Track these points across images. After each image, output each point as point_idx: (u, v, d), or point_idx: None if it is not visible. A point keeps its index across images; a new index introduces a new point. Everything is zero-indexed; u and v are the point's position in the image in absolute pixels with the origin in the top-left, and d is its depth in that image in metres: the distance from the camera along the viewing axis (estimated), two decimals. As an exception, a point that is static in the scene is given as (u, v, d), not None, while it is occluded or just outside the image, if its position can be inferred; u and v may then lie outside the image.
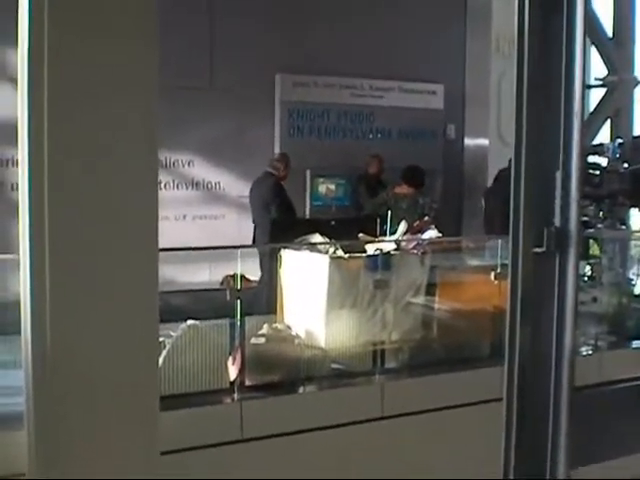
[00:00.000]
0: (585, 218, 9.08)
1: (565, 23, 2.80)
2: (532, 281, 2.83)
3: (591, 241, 8.70)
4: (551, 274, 2.82)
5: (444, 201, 9.52)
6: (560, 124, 2.81)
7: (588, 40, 13.59)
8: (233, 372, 4.17)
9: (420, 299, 4.81)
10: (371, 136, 10.38)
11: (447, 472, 4.07)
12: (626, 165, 10.04)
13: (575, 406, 2.91)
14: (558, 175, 2.81)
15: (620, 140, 10.91)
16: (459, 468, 4.07)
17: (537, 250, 2.80)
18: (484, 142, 10.53)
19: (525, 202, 2.83)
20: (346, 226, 6.21)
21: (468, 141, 10.82)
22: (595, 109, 13.81)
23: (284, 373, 4.29)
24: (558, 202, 2.81)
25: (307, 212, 9.80)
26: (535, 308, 2.86)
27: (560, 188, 2.80)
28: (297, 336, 4.46)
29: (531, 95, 2.82)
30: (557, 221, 2.81)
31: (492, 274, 4.81)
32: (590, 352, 5.54)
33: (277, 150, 9.55)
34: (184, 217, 9.20)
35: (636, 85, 14.27)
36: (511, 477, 2.96)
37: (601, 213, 9.19)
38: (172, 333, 4.12)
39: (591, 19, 13.52)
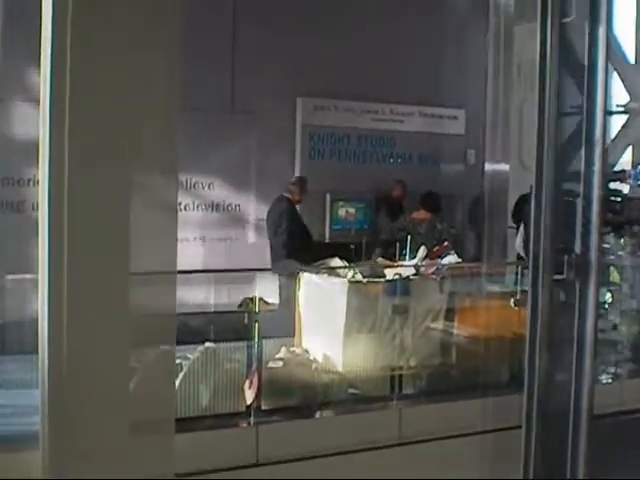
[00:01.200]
0: (606, 245, 9.05)
1: (587, 50, 2.80)
2: (552, 308, 2.82)
3: (611, 268, 8.66)
4: (571, 301, 2.81)
5: (464, 226, 9.50)
6: (581, 152, 2.81)
7: (610, 66, 13.58)
8: (250, 395, 4.15)
9: (439, 324, 4.76)
10: (391, 160, 10.38)
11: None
12: (645, 192, 10.02)
13: (594, 434, 2.89)
14: (579, 203, 2.80)
15: (641, 167, 10.89)
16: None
17: (557, 277, 2.79)
18: (504, 167, 10.50)
19: (545, 229, 2.83)
20: (365, 250, 6.19)
21: (488, 166, 10.79)
22: (617, 136, 13.74)
23: (301, 397, 4.26)
24: (579, 230, 2.80)
25: (326, 235, 9.80)
26: (554, 335, 2.84)
27: (581, 216, 2.79)
28: (315, 360, 4.43)
29: (552, 122, 2.82)
30: (577, 249, 2.80)
31: (512, 300, 4.77)
32: (610, 380, 5.48)
33: (297, 173, 9.57)
34: (203, 239, 9.22)
35: (658, 112, 14.22)
36: (529, 506, 2.94)
37: (622, 240, 9.14)
38: (189, 355, 4.11)
39: (613, 45, 13.52)
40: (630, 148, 13.86)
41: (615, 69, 13.59)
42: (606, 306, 8.49)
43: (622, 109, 14.04)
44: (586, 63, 2.76)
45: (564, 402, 2.81)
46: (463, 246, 7.91)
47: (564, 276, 2.66)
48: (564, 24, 2.78)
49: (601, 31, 2.82)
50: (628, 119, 13.86)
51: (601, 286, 8.58)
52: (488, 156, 11.11)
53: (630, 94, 13.90)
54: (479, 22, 10.67)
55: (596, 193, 2.72)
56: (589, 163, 2.74)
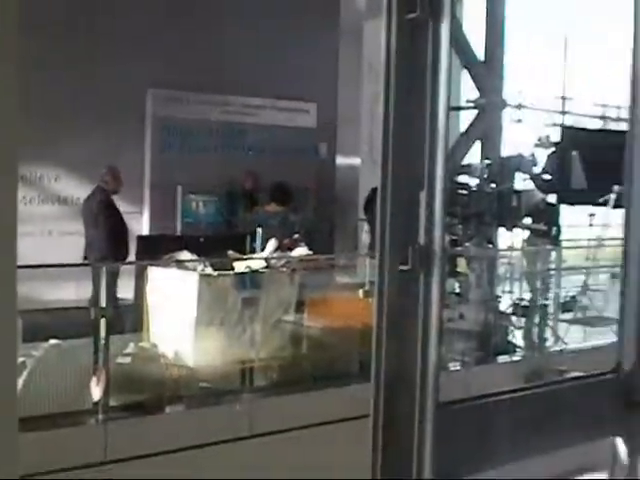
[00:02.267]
0: (454, 237, 9.29)
1: (430, 47, 2.85)
2: (398, 298, 2.87)
3: (460, 259, 8.90)
4: (416, 291, 2.86)
5: (316, 219, 9.60)
6: (425, 146, 2.86)
7: (460, 63, 13.93)
8: (97, 392, 4.08)
9: (290, 317, 4.81)
10: (244, 153, 10.39)
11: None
12: (493, 185, 10.31)
13: (440, 421, 2.95)
14: (423, 195, 2.85)
15: (488, 161, 11.20)
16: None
17: (402, 268, 2.84)
18: (355, 161, 10.68)
19: (391, 221, 2.87)
20: (216, 243, 6.16)
21: (340, 160, 10.93)
22: (466, 130, 14.11)
23: (150, 393, 4.22)
24: (423, 221, 2.85)
25: (178, 229, 9.73)
26: (401, 325, 2.89)
27: (425, 208, 2.85)
28: (164, 355, 4.40)
29: (397, 117, 2.86)
30: (422, 240, 2.85)
31: (360, 291, 4.86)
32: (456, 367, 5.66)
33: (147, 166, 9.47)
34: (50, 233, 9.00)
35: (505, 107, 14.66)
36: (378, 493, 2.97)
37: (469, 232, 9.38)
38: (34, 353, 4.01)
39: (462, 43, 13.85)
40: (479, 143, 14.28)
41: (465, 66, 13.97)
42: (454, 296, 8.76)
43: (472, 105, 14.44)
44: (429, 60, 2.81)
45: (411, 390, 2.86)
46: (315, 239, 7.99)
47: (409, 266, 2.70)
48: (409, 20, 2.82)
49: (444, 28, 2.88)
50: (477, 114, 14.26)
51: (449, 276, 8.86)
52: (339, 150, 11.29)
53: (479, 90, 14.30)
54: (331, 17, 10.80)
55: (439, 186, 2.77)
56: (432, 157, 2.79)
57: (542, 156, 12.43)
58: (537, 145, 12.56)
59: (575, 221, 13.52)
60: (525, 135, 13.86)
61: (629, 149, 3.89)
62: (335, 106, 10.83)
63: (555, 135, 13.76)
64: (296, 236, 6.99)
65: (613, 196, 10.14)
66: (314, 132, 10.74)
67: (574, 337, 10.50)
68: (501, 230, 9.90)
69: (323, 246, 8.85)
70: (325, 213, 10.29)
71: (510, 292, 9.76)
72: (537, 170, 11.54)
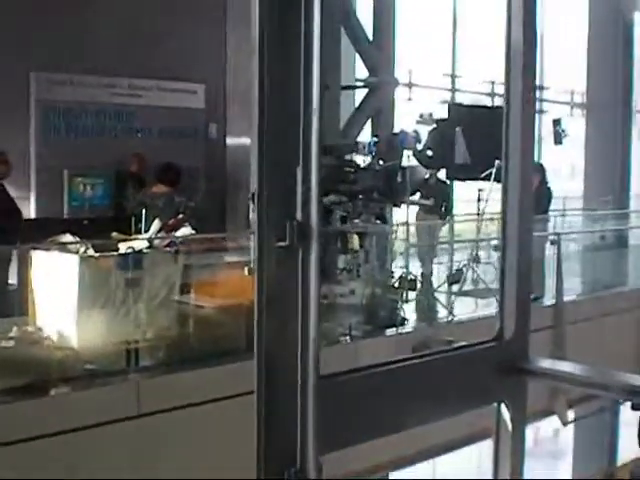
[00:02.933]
0: (344, 214, 9.44)
1: (303, 26, 2.89)
2: (277, 274, 2.91)
3: (352, 236, 9.03)
4: (294, 267, 2.91)
5: (207, 200, 9.59)
6: (300, 123, 2.90)
7: (350, 42, 14.07)
8: (-22, 377, 4.03)
9: (175, 296, 4.81)
10: (132, 135, 10.33)
11: (208, 466, 4.10)
12: (381, 162, 10.47)
13: (323, 393, 3.01)
14: (299, 171, 2.90)
15: (376, 139, 11.36)
16: (219, 460, 4.11)
17: (280, 244, 2.88)
18: (246, 141, 10.69)
19: (268, 197, 2.90)
20: (101, 225, 6.11)
21: (230, 140, 10.94)
22: (357, 109, 14.30)
23: (35, 376, 4.19)
24: (299, 197, 2.90)
25: (65, 212, 9.61)
26: (280, 300, 2.93)
27: (301, 184, 2.89)
28: (48, 338, 4.36)
29: (272, 95, 2.89)
30: (299, 216, 2.90)
31: (246, 269, 4.89)
32: (346, 341, 5.76)
33: (33, 150, 9.31)
34: None
35: (396, 86, 14.88)
36: (263, 464, 3.01)
37: (357, 208, 9.53)
38: None
39: (352, 23, 13.98)
40: (371, 121, 14.46)
41: (354, 46, 14.12)
42: (345, 272, 8.87)
43: (362, 84, 14.62)
44: (302, 39, 2.84)
45: (292, 364, 2.91)
46: (205, 218, 7.98)
47: (287, 243, 2.74)
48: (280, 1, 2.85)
49: (316, 8, 2.91)
50: (368, 93, 14.45)
51: (341, 253, 8.95)
52: (230, 130, 11.28)
53: (369, 70, 14.49)
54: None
55: (314, 162, 2.82)
56: (307, 134, 2.83)
57: (425, 133, 12.67)
58: (419, 122, 12.82)
59: (470, 196, 13.83)
60: (415, 113, 14.10)
61: (505, 124, 4.01)
62: (224, 87, 10.82)
63: (443, 112, 14.03)
64: (181, 216, 7.00)
65: (494, 170, 10.39)
66: (203, 113, 10.71)
67: (464, 309, 10.78)
68: (390, 206, 10.08)
69: (214, 226, 8.87)
70: (216, 193, 10.30)
71: (400, 267, 9.96)
72: (419, 147, 11.79)
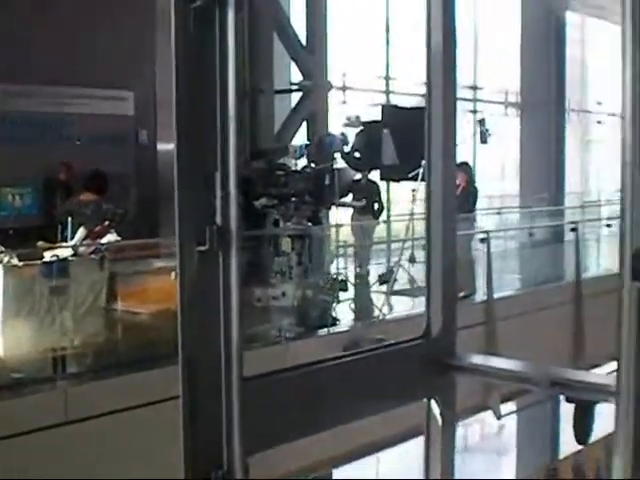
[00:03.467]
0: (275, 217, 9.51)
1: (218, 34, 2.93)
2: (198, 279, 2.95)
3: (284, 239, 9.09)
4: (215, 271, 2.95)
5: (139, 206, 9.56)
6: (217, 128, 2.94)
7: (283, 47, 14.14)
8: None
9: (102, 303, 4.81)
10: (61, 143, 10.25)
11: (137, 471, 4.11)
12: (312, 165, 10.56)
13: (248, 394, 3.05)
14: (217, 176, 2.94)
15: (307, 142, 11.45)
16: (148, 464, 4.12)
17: (200, 249, 2.92)
18: (177, 147, 10.63)
19: (188, 202, 2.94)
20: (28, 234, 6.08)
21: (161, 146, 10.93)
22: (291, 112, 14.37)
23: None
24: (218, 202, 2.94)
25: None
26: (202, 304, 2.97)
27: (220, 188, 2.93)
28: (-27, 348, 4.34)
29: (189, 102, 2.93)
30: (219, 220, 2.94)
31: (172, 274, 4.89)
32: (277, 343, 5.82)
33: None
34: None
35: (330, 89, 14.99)
36: (190, 466, 3.05)
37: (289, 211, 9.60)
38: None
39: (286, 29, 14.07)
40: (305, 124, 14.53)
41: (288, 51, 14.20)
42: (278, 275, 8.93)
43: (296, 87, 14.70)
44: (217, 47, 2.88)
45: (216, 367, 2.94)
46: (136, 225, 7.95)
47: (207, 247, 2.78)
48: (195, 8, 2.89)
49: (230, 15, 2.95)
50: (302, 97, 14.54)
51: (275, 256, 8.99)
52: (161, 136, 11.26)
53: (303, 74, 14.59)
54: (148, 4, 10.71)
55: (232, 167, 2.86)
56: (225, 139, 2.87)
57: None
58: (346, 125, 12.95)
59: (403, 197, 13.98)
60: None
61: (427, 124, 4.08)
62: (154, 93, 10.80)
63: (375, 114, 14.17)
64: (107, 223, 7.00)
65: (421, 170, 10.51)
66: (133, 119, 10.69)
67: (400, 307, 10.92)
68: (322, 208, 10.17)
69: (147, 232, 8.85)
70: (148, 199, 10.27)
71: (331, 268, 10.07)
72: (347, 149, 11.92)
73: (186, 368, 2.96)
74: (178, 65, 2.89)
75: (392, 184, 15.61)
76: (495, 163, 27.31)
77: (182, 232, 2.90)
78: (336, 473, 11.62)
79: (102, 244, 5.68)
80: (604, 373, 2.48)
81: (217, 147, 2.91)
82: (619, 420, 2.25)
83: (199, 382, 2.98)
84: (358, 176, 12.81)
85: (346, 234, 13.03)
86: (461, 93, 20.28)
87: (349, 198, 12.63)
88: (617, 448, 2.28)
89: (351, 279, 10.10)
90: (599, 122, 26.00)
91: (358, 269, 10.99)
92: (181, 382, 2.97)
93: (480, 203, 17.41)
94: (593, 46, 28.05)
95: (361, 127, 12.75)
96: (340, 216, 12.58)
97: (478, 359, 4.36)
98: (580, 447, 12.80)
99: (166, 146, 10.88)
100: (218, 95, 2.91)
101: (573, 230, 14.93)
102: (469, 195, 13.59)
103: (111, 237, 6.09)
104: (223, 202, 2.90)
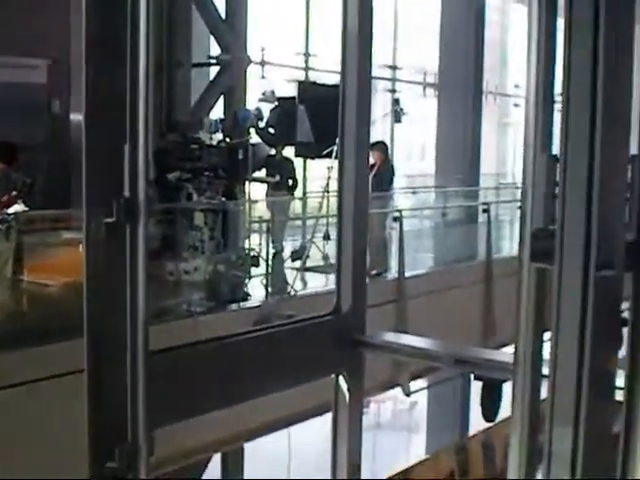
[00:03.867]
0: (189, 191, 9.47)
1: (129, 6, 2.89)
2: (104, 251, 2.92)
3: (198, 213, 9.05)
4: (122, 244, 2.93)
5: (51, 176, 9.39)
6: (126, 100, 2.91)
7: (202, 20, 14.00)
8: None
9: (8, 274, 4.72)
10: (-30, 113, 9.99)
11: (41, 443, 4.07)
12: (227, 139, 10.53)
13: (154, 369, 3.04)
14: (126, 148, 2.91)
15: (221, 116, 11.40)
16: (53, 438, 4.07)
17: (108, 221, 2.89)
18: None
19: (96, 174, 2.91)
20: None
21: (74, 116, 10.74)
22: (209, 86, 14.25)
23: None
24: (127, 174, 2.91)
25: None
26: (108, 277, 2.94)
27: (128, 160, 2.90)
28: None
29: (98, 73, 2.89)
30: (126, 193, 2.91)
31: (80, 246, 4.83)
32: (187, 317, 5.82)
33: None
34: None
35: (248, 64, 14.90)
36: (94, 440, 3.02)
37: (203, 186, 9.56)
38: None
39: (205, 2, 13.92)
40: (223, 98, 14.42)
41: (207, 24, 14.04)
42: (191, 249, 8.89)
43: (214, 61, 14.57)
44: (129, 18, 2.84)
45: (121, 341, 2.92)
46: (47, 195, 7.82)
47: (114, 219, 2.74)
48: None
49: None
50: (220, 71, 14.41)
51: (189, 230, 8.95)
52: (74, 106, 11.06)
53: (221, 47, 14.45)
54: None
55: (142, 140, 2.83)
56: (134, 112, 2.84)
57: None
58: (261, 100, 12.90)
59: (321, 174, 14.03)
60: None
61: (341, 103, 4.10)
62: (68, 62, 10.59)
63: (291, 90, 14.15)
64: (14, 193, 6.87)
65: (336, 148, 10.54)
66: (45, 88, 10.46)
67: (310, 284, 10.99)
68: (236, 183, 10.16)
69: (56, 203, 8.68)
70: (60, 169, 10.07)
71: (245, 243, 10.08)
72: (262, 124, 11.90)
73: (91, 341, 2.93)
74: (88, 34, 2.85)
75: (310, 161, 15.64)
76: (415, 143, 27.58)
77: (89, 204, 2.87)
78: (247, 447, 11.66)
79: (9, 214, 5.58)
80: (510, 352, 2.54)
81: (126, 119, 2.88)
82: (516, 398, 2.31)
83: (104, 356, 2.96)
84: (273, 152, 12.80)
85: (263, 210, 13.03)
86: (380, 72, 20.36)
87: (263, 173, 12.63)
88: (514, 425, 2.34)
89: (264, 255, 10.12)
90: (516, 105, 26.41)
91: (272, 245, 11.01)
92: (86, 355, 2.94)
93: (399, 182, 17.56)
94: (513, 30, 28.47)
95: (276, 103, 12.72)
96: (256, 192, 12.57)
97: (386, 336, 4.43)
98: (489, 424, 13.10)
99: (79, 116, 10.63)
100: (128, 66, 2.88)
101: (485, 211, 15.16)
102: (385, 174, 13.68)
103: (18, 207, 5.98)
104: (131, 174, 2.88)
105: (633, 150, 2.16)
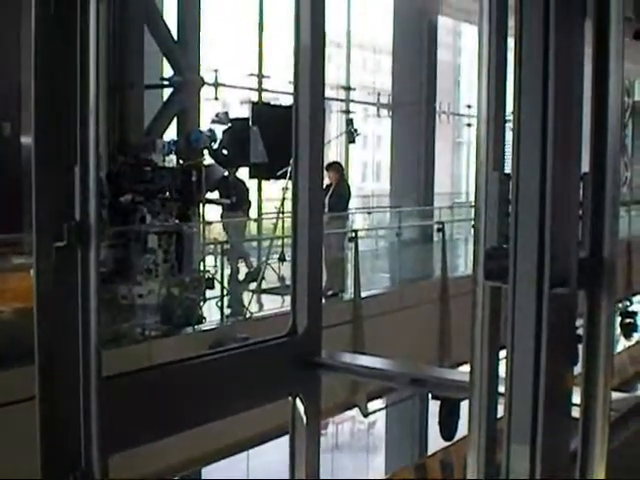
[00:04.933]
0: (142, 214, 9.41)
1: (79, 28, 2.86)
2: (55, 276, 2.87)
3: (151, 236, 8.99)
4: (74, 268, 2.88)
5: (2, 200, 9.28)
6: (77, 121, 2.88)
7: (154, 41, 13.97)
8: None
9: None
10: None
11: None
12: (179, 161, 10.51)
13: (107, 394, 3.00)
14: (77, 170, 2.87)
15: (175, 138, 11.38)
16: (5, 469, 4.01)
17: (59, 244, 2.84)
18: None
19: (46, 197, 2.87)
20: None
21: (25, 139, 10.64)
22: (162, 107, 14.22)
23: None
24: (78, 196, 2.87)
25: None
26: (60, 302, 2.90)
27: (79, 183, 2.87)
28: None
29: (48, 95, 2.87)
30: (77, 215, 2.87)
31: (32, 271, 4.77)
32: (140, 341, 5.78)
33: None
34: None
35: (201, 86, 14.89)
36: (47, 467, 2.97)
37: (155, 208, 9.52)
38: None
39: (157, 23, 13.90)
40: (176, 120, 14.40)
41: (159, 46, 14.04)
42: (145, 272, 8.83)
43: (167, 82, 14.55)
44: (78, 40, 2.81)
45: (73, 367, 2.87)
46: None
47: (65, 243, 2.70)
48: None
49: (92, 4, 2.89)
50: (173, 92, 14.39)
51: (144, 253, 8.89)
52: (25, 129, 10.95)
53: (174, 69, 14.45)
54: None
55: (92, 161, 2.80)
56: (84, 133, 2.81)
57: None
58: (214, 121, 12.89)
59: (276, 195, 14.03)
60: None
61: (295, 124, 4.09)
62: (19, 85, 10.49)
63: (245, 111, 14.16)
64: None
65: (289, 169, 10.55)
66: (-7, 111, 10.37)
67: (265, 306, 10.98)
68: (189, 205, 10.13)
69: (8, 226, 8.57)
70: (10, 193, 9.95)
71: (200, 266, 10.03)
72: (215, 146, 11.90)
73: (43, 367, 2.88)
74: (37, 55, 2.82)
75: (265, 182, 15.64)
76: (370, 163, 27.70)
77: (39, 227, 2.83)
78: (204, 472, 11.57)
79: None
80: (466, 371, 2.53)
81: (77, 140, 2.84)
82: (472, 416, 2.30)
83: (56, 381, 2.91)
84: (227, 173, 12.78)
85: (218, 232, 12.98)
86: (333, 93, 20.44)
87: (217, 195, 12.60)
88: (471, 444, 2.33)
89: (219, 277, 10.07)
90: (469, 125, 26.67)
91: (228, 266, 10.97)
92: (37, 381, 2.89)
93: (354, 202, 17.61)
94: (465, 50, 28.78)
95: (229, 124, 12.71)
96: (212, 214, 12.53)
97: (343, 357, 4.41)
98: (447, 443, 13.12)
99: (29, 139, 10.53)
100: (78, 87, 2.85)
101: (439, 230, 15.25)
102: (341, 194, 13.71)
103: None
104: (82, 197, 2.84)
105: (584, 168, 2.17)
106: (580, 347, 2.23)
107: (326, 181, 12.31)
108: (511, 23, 2.17)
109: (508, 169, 2.15)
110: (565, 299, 2.10)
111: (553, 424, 2.16)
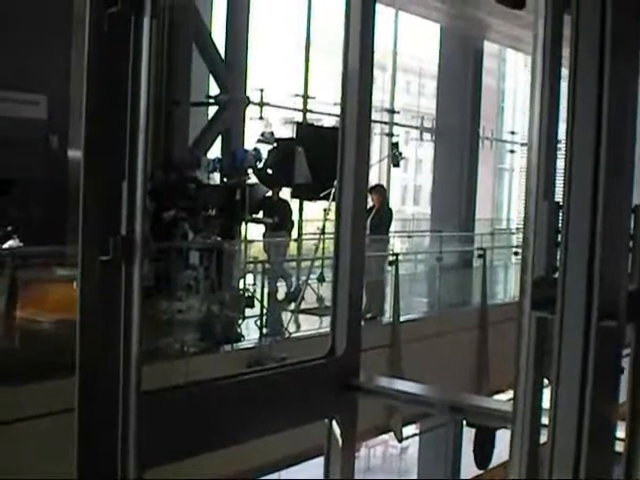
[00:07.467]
0: (185, 230, 9.46)
1: (132, 42, 2.89)
2: (99, 289, 2.89)
3: (193, 252, 9.03)
4: (118, 282, 2.90)
5: (47, 212, 9.35)
6: (126, 137, 2.90)
7: (202, 60, 14.10)
8: None
9: (1, 310, 4.69)
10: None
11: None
12: (224, 179, 10.55)
13: (146, 409, 3.00)
14: (124, 186, 2.89)
15: (219, 156, 11.41)
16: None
17: (103, 258, 2.86)
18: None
19: (92, 211, 2.89)
20: None
21: (72, 153, 10.74)
22: (207, 125, 14.30)
23: None
24: (124, 212, 2.89)
25: None
26: (103, 316, 2.91)
27: (126, 198, 2.89)
28: None
29: (101, 109, 2.89)
30: (123, 230, 2.89)
31: (75, 283, 4.81)
32: (179, 357, 5.79)
33: None
34: None
35: (247, 105, 14.97)
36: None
37: (199, 225, 9.57)
38: None
39: (205, 42, 14.02)
40: (221, 138, 14.47)
41: (206, 64, 14.13)
42: (186, 288, 8.86)
43: (212, 101, 14.64)
44: (131, 60, 2.83)
45: (114, 381, 2.88)
46: (44, 231, 7.79)
47: (110, 257, 2.72)
48: (110, 14, 2.83)
49: (145, 22, 2.91)
50: (218, 110, 14.47)
51: (185, 269, 8.92)
52: (73, 142, 11.07)
53: (220, 87, 14.54)
54: (64, 10, 10.51)
55: (140, 177, 2.81)
56: (133, 150, 2.82)
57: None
58: (260, 141, 12.90)
59: (318, 216, 14.05)
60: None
61: (341, 145, 4.10)
62: (68, 99, 10.60)
63: (287, 131, 14.20)
64: (9, 228, 6.85)
65: (334, 190, 10.52)
66: (44, 124, 10.47)
67: (304, 326, 10.96)
68: (232, 223, 10.16)
69: (52, 239, 8.65)
70: (57, 206, 10.04)
71: (240, 284, 10.04)
72: (260, 165, 11.92)
73: (83, 380, 2.90)
74: (90, 71, 2.84)
75: (307, 202, 15.66)
76: (410, 187, 27.67)
77: (85, 240, 2.85)
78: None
79: (3, 249, 5.55)
80: (505, 400, 2.50)
81: (126, 156, 2.86)
82: (514, 447, 2.27)
83: (96, 394, 2.92)
84: (270, 193, 12.81)
85: (259, 250, 13.01)
86: (377, 116, 20.45)
87: (260, 214, 12.63)
88: (511, 474, 2.30)
89: (259, 296, 10.09)
90: (512, 151, 26.55)
91: (268, 286, 10.98)
92: (77, 394, 2.90)
93: (394, 225, 17.56)
94: (509, 77, 28.70)
95: (275, 144, 12.74)
96: (253, 232, 12.56)
97: (381, 381, 4.39)
98: (480, 471, 12.98)
99: (77, 153, 10.62)
100: (129, 104, 2.87)
101: (480, 256, 15.15)
102: (383, 217, 13.68)
103: (13, 243, 5.95)
104: (129, 212, 2.86)
105: (636, 200, 2.14)
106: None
107: (369, 203, 12.30)
108: (565, 53, 2.16)
109: (558, 198, 2.13)
110: (613, 332, 2.07)
111: (596, 457, 2.13)
